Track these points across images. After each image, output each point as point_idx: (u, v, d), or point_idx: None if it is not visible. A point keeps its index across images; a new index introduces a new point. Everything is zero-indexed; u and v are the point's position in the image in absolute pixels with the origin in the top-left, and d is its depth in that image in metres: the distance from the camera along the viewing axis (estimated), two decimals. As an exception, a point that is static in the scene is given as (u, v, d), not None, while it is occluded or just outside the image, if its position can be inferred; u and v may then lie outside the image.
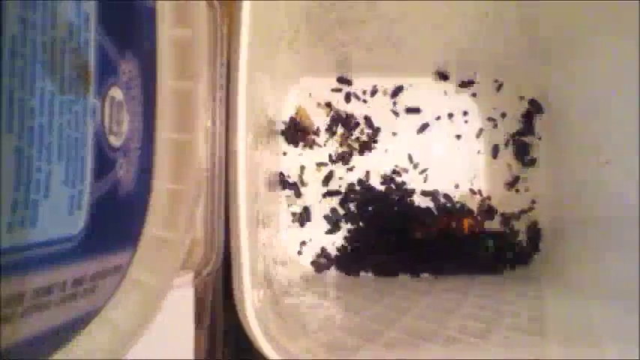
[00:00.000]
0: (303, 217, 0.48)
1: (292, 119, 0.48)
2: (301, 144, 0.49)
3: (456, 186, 0.49)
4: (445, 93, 0.50)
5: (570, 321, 0.36)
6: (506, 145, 0.50)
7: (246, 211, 0.29)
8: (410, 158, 0.49)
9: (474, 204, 0.49)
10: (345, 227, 0.48)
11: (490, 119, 0.50)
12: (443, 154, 0.50)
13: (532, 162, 0.49)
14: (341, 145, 0.49)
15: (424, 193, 0.49)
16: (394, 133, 0.50)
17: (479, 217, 0.48)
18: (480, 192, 0.49)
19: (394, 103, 0.50)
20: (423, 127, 0.50)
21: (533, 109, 0.49)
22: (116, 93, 0.22)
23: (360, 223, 0.48)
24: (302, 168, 0.49)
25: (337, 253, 0.48)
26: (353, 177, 0.49)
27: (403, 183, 0.49)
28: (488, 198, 0.49)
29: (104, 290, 0.23)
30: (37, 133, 0.17)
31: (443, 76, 0.50)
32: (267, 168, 0.42)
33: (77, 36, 0.19)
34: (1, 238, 0.15)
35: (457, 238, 0.47)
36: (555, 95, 0.48)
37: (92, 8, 0.20)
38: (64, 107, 0.18)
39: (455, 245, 0.47)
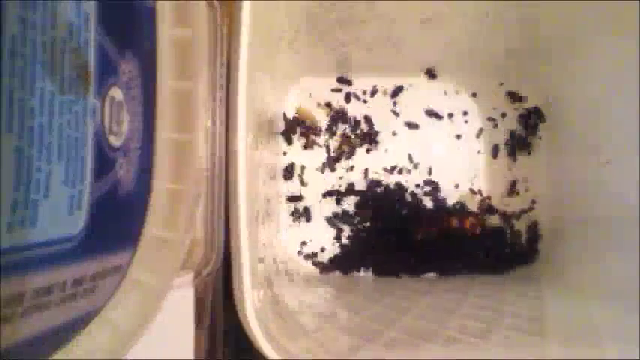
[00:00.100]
0: (303, 218, 0.48)
1: (295, 119, 0.48)
2: (301, 144, 0.49)
3: (456, 186, 0.49)
4: (445, 93, 0.50)
5: (570, 321, 0.36)
6: (505, 144, 0.50)
7: (246, 211, 0.29)
8: (410, 158, 0.49)
9: (474, 204, 0.49)
10: (346, 228, 0.48)
11: (490, 119, 0.50)
12: (443, 154, 0.50)
13: (530, 156, 0.49)
14: (341, 144, 0.49)
15: (425, 193, 0.49)
16: (394, 133, 0.50)
17: (480, 217, 0.48)
18: (479, 192, 0.49)
19: (394, 103, 0.50)
20: (413, 126, 0.49)
21: (535, 117, 0.49)
22: (116, 93, 0.22)
23: (360, 223, 0.48)
24: (302, 168, 0.49)
25: (337, 253, 0.48)
26: (353, 177, 0.49)
27: (403, 183, 0.49)
28: (488, 198, 0.49)
29: (104, 290, 0.23)
30: (37, 133, 0.17)
31: (431, 75, 0.50)
32: (267, 163, 0.42)
33: (77, 36, 0.19)
34: (1, 238, 0.15)
35: (458, 237, 0.47)
36: (555, 95, 0.48)
37: (92, 8, 0.20)
38: (64, 107, 0.18)
39: (455, 245, 0.47)
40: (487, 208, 0.49)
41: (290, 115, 0.49)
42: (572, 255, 0.44)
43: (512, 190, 0.49)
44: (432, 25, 0.45)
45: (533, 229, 0.48)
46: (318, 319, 0.35)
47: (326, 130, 0.49)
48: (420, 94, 0.50)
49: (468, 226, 0.47)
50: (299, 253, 0.48)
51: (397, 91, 0.50)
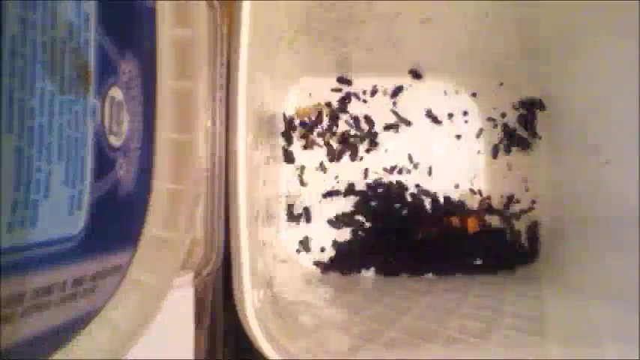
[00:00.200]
0: (304, 218, 0.48)
1: (293, 118, 0.48)
2: (301, 144, 0.49)
3: (456, 186, 0.49)
4: (445, 93, 0.50)
5: (570, 321, 0.36)
6: (500, 142, 0.50)
7: (246, 211, 0.29)
8: (410, 158, 0.49)
9: (474, 204, 0.49)
10: (347, 229, 0.48)
11: (490, 119, 0.50)
12: (443, 154, 0.50)
13: (530, 156, 0.49)
14: (341, 144, 0.49)
15: (424, 193, 0.49)
16: (395, 130, 0.50)
17: (480, 216, 0.48)
18: (479, 192, 0.49)
19: (394, 103, 0.50)
20: (396, 92, 0.50)
21: (535, 107, 0.49)
22: (116, 93, 0.22)
23: (360, 223, 0.48)
24: (302, 168, 0.49)
25: (337, 253, 0.48)
26: (353, 177, 0.49)
27: (403, 183, 0.49)
28: (488, 198, 0.49)
29: (104, 290, 0.23)
30: (37, 133, 0.17)
31: (416, 75, 0.50)
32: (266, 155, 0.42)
33: (77, 36, 0.19)
34: (1, 238, 0.15)
35: (458, 237, 0.47)
36: (555, 95, 0.48)
37: (92, 8, 0.20)
38: (64, 107, 0.18)
39: (455, 245, 0.47)
40: (487, 208, 0.49)
41: (290, 116, 0.49)
42: (572, 255, 0.44)
43: (510, 201, 0.49)
44: (432, 25, 0.45)
45: (533, 229, 0.48)
46: (318, 319, 0.35)
47: (326, 130, 0.49)
48: (420, 94, 0.50)
49: (469, 225, 0.47)
50: (298, 252, 0.48)
51: (397, 91, 0.50)
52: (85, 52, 0.19)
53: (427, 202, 0.49)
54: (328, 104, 0.49)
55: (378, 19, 0.44)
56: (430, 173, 0.49)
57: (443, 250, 0.47)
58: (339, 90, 0.50)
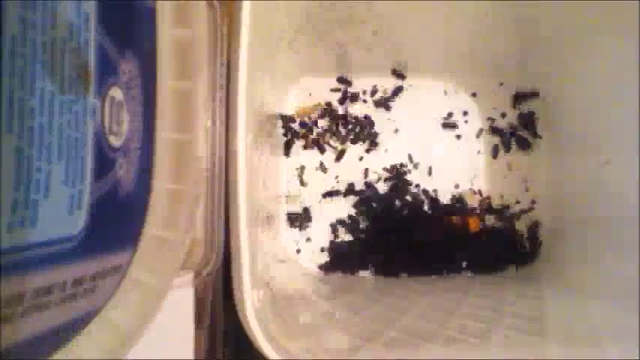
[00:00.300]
0: (303, 219, 0.48)
1: (292, 118, 0.48)
2: (301, 144, 0.49)
3: (456, 186, 0.49)
4: (445, 93, 0.50)
5: (570, 321, 0.36)
6: (502, 143, 0.50)
7: (246, 211, 0.29)
8: (410, 158, 0.49)
9: (474, 204, 0.49)
10: (346, 228, 0.48)
11: (490, 119, 0.50)
12: (443, 154, 0.50)
13: (530, 156, 0.49)
14: (341, 144, 0.49)
15: (424, 193, 0.49)
16: (396, 130, 0.50)
17: (480, 216, 0.48)
18: (479, 192, 0.49)
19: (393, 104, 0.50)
20: (396, 92, 0.50)
21: (528, 120, 0.49)
22: (116, 93, 0.22)
23: (360, 223, 0.48)
24: (302, 168, 0.49)
25: (338, 253, 0.48)
26: (353, 177, 0.49)
27: (402, 183, 0.49)
28: (488, 198, 0.49)
29: (104, 290, 0.23)
30: (37, 133, 0.17)
31: (399, 75, 0.50)
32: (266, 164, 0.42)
33: (77, 36, 0.19)
34: (1, 238, 0.15)
35: (458, 237, 0.47)
36: (555, 95, 0.48)
37: (92, 8, 0.20)
38: (64, 107, 0.18)
39: (455, 245, 0.47)
40: (487, 208, 0.49)
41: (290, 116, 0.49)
42: (572, 255, 0.44)
43: (510, 203, 0.49)
44: (432, 25, 0.45)
45: (534, 229, 0.48)
46: (318, 319, 0.35)
47: (325, 130, 0.49)
48: (420, 93, 0.50)
49: (470, 224, 0.47)
50: (299, 253, 0.48)
51: (397, 91, 0.50)
52: (85, 52, 0.19)
53: (427, 202, 0.49)
54: (328, 104, 0.49)
55: (378, 19, 0.44)
56: (430, 173, 0.49)
57: (443, 250, 0.47)
58: (339, 90, 0.50)
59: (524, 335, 0.32)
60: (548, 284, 0.44)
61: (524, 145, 0.49)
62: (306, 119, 0.49)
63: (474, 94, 0.50)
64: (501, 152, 0.50)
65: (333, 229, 0.48)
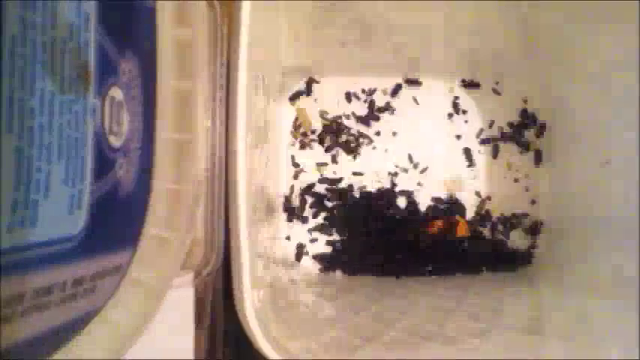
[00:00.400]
0: (301, 219, 0.48)
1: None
2: (299, 144, 0.49)
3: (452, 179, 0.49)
4: (445, 93, 0.50)
5: (570, 321, 0.36)
6: (501, 142, 0.50)
7: (246, 211, 0.29)
8: (410, 158, 0.49)
9: (473, 204, 0.49)
10: (346, 228, 0.48)
11: (490, 119, 0.50)
12: (443, 154, 0.50)
13: (530, 156, 0.49)
14: (340, 144, 0.49)
15: (424, 193, 0.49)
16: (394, 133, 0.50)
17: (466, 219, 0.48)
18: (479, 192, 0.49)
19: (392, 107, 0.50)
20: (395, 91, 0.49)
21: (528, 120, 0.49)
22: (116, 93, 0.22)
23: (360, 223, 0.48)
24: (302, 168, 0.49)
25: (337, 253, 0.48)
26: (353, 177, 0.49)
27: (393, 185, 0.49)
28: (488, 198, 0.49)
29: (104, 290, 0.23)
30: (37, 133, 0.17)
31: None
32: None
33: (77, 36, 0.19)
34: (1, 238, 0.15)
35: (457, 237, 0.47)
36: (555, 95, 0.48)
37: (92, 8, 0.20)
38: (64, 107, 0.18)
39: (455, 245, 0.47)
40: (486, 209, 0.49)
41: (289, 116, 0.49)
42: (572, 255, 0.44)
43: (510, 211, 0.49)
44: (432, 25, 0.45)
45: (534, 229, 0.48)
46: (318, 319, 0.35)
47: (322, 132, 0.49)
48: (420, 93, 0.50)
49: (461, 229, 0.47)
50: (299, 252, 0.48)
51: (397, 90, 0.50)
52: (85, 52, 0.19)
53: (427, 203, 0.49)
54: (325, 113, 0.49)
55: (378, 19, 0.45)
56: (430, 173, 0.49)
57: (443, 250, 0.47)
58: (340, 90, 0.50)
59: (524, 335, 0.32)
60: (548, 284, 0.44)
61: (525, 146, 0.49)
62: (305, 126, 0.49)
63: (474, 94, 0.50)
64: (501, 152, 0.50)
65: (333, 227, 0.48)
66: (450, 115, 0.50)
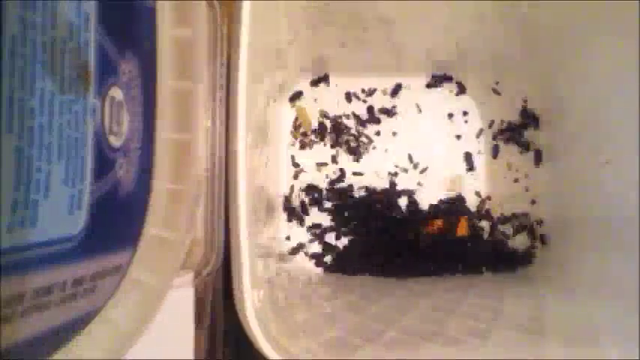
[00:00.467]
0: (301, 219, 0.48)
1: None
2: (299, 143, 0.49)
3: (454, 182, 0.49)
4: (445, 93, 0.50)
5: (570, 321, 0.36)
6: (500, 142, 0.50)
7: (246, 211, 0.29)
8: (410, 158, 0.49)
9: (473, 204, 0.49)
10: (346, 229, 0.48)
11: (490, 119, 0.50)
12: (443, 154, 0.50)
13: (530, 156, 0.49)
14: (341, 144, 0.49)
15: (423, 193, 0.49)
16: (394, 133, 0.50)
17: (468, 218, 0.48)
18: (479, 192, 0.49)
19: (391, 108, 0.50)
20: (395, 91, 0.49)
21: (528, 120, 0.49)
22: (116, 93, 0.22)
23: (360, 223, 0.48)
24: (301, 168, 0.49)
25: (338, 253, 0.48)
26: (353, 177, 0.49)
27: (392, 185, 0.49)
28: (488, 198, 0.49)
29: (104, 290, 0.23)
30: (37, 133, 0.17)
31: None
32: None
33: (77, 36, 0.19)
34: (1, 238, 0.15)
35: (457, 238, 0.47)
36: (555, 95, 0.48)
37: (92, 8, 0.20)
38: (64, 107, 0.18)
39: (455, 245, 0.47)
40: (486, 209, 0.49)
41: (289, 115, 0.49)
42: (572, 255, 0.44)
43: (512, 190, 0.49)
44: (432, 25, 0.45)
45: (534, 229, 0.48)
46: (318, 319, 0.35)
47: (322, 131, 0.49)
48: (420, 93, 0.50)
49: (457, 228, 0.47)
50: (299, 252, 0.48)
51: (397, 90, 0.50)
52: (85, 52, 0.19)
53: (427, 202, 0.49)
54: (325, 113, 0.49)
55: (378, 20, 0.44)
56: (430, 173, 0.49)
57: (443, 250, 0.47)
58: (340, 90, 0.50)
59: (524, 335, 0.32)
60: (548, 284, 0.44)
61: (525, 146, 0.49)
62: (304, 127, 0.49)
63: (473, 94, 0.50)
64: (501, 152, 0.50)
65: (331, 229, 0.48)
66: (450, 115, 0.50)
